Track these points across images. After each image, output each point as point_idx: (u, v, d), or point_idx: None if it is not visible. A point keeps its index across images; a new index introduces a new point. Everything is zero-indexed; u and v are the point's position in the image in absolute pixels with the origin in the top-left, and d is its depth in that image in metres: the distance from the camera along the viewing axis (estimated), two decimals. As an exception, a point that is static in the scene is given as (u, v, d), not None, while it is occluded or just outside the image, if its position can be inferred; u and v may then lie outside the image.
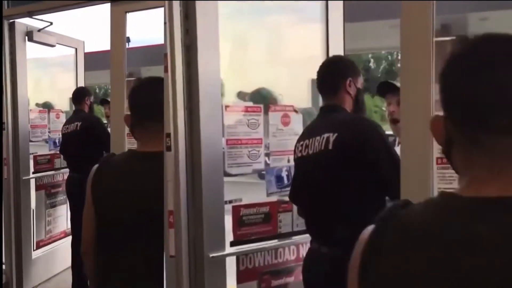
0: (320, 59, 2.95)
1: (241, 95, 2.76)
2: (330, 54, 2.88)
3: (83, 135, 4.06)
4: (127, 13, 3.29)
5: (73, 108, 4.55)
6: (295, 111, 2.82)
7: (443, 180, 1.75)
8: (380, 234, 0.86)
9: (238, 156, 2.59)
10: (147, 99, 1.76)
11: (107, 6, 3.38)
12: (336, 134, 1.96)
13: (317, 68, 2.24)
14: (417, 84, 1.77)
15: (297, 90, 2.97)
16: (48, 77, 5.30)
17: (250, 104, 2.70)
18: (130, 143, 3.34)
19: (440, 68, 0.85)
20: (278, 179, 2.71)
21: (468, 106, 0.79)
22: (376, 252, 0.85)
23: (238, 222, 2.54)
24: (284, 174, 2.73)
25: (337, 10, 2.94)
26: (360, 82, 2.15)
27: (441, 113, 0.85)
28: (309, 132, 2.17)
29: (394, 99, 2.36)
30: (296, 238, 2.69)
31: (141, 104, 1.77)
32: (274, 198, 2.68)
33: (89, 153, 3.86)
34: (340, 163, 1.93)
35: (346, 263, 1.90)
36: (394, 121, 2.35)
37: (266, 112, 2.69)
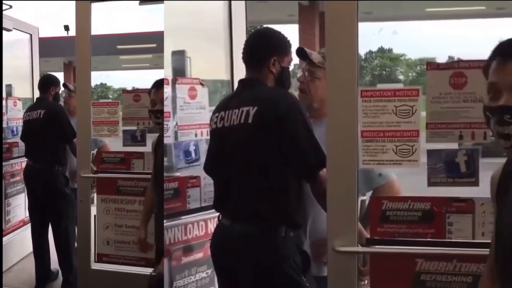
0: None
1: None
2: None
3: (46, 124, 3.63)
4: (91, 3, 3.19)
5: (29, 96, 4.48)
6: (201, 84, 2.75)
7: (368, 153, 1.82)
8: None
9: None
10: None
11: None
12: (256, 108, 1.91)
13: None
14: (342, 60, 1.82)
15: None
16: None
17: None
18: (95, 131, 3.19)
19: None
20: (186, 154, 2.64)
21: None
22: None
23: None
24: (192, 148, 2.67)
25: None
26: (287, 60, 2.06)
27: None
28: (226, 105, 2.06)
29: (304, 68, 2.23)
30: (204, 213, 2.66)
31: None
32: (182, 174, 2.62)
33: (51, 143, 3.57)
34: (261, 137, 1.89)
35: (262, 242, 1.88)
36: (300, 90, 2.26)
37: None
